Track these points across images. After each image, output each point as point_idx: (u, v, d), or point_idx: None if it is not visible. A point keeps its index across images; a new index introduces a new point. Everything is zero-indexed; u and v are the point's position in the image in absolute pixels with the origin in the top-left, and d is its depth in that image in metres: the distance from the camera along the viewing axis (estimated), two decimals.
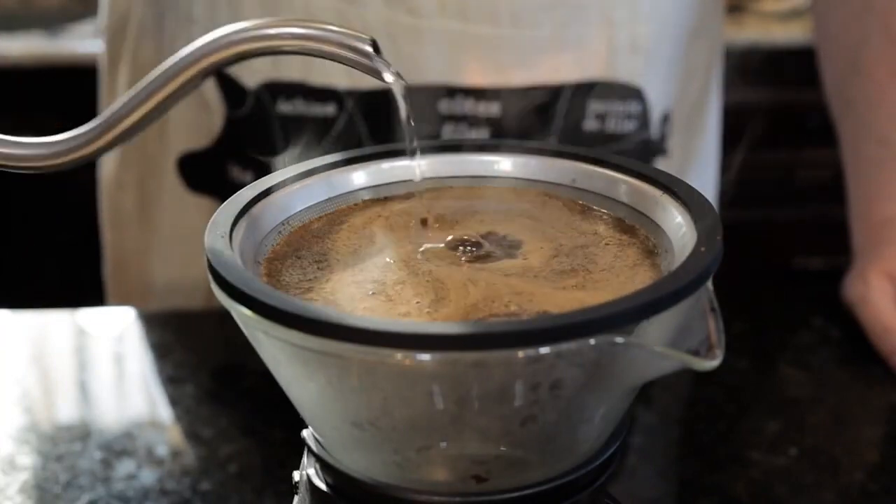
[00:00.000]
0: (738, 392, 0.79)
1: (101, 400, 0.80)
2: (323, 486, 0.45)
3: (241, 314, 0.39)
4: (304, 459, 0.46)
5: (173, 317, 0.91)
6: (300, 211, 0.49)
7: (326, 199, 0.50)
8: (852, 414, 0.77)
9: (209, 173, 0.93)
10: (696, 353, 0.37)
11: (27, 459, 0.72)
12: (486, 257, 0.46)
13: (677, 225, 0.45)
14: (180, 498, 0.68)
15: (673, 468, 0.75)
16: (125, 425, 0.76)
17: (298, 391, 0.43)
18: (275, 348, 0.40)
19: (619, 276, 0.44)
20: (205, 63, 0.45)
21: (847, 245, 0.91)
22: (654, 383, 0.60)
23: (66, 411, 0.79)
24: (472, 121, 0.87)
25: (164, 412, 0.78)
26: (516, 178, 0.52)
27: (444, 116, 0.87)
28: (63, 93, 1.82)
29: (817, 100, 0.98)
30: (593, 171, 0.50)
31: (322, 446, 0.44)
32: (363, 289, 0.43)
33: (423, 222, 0.49)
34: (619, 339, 0.37)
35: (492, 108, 0.86)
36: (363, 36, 0.45)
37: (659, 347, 0.37)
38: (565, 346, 0.37)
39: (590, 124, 0.89)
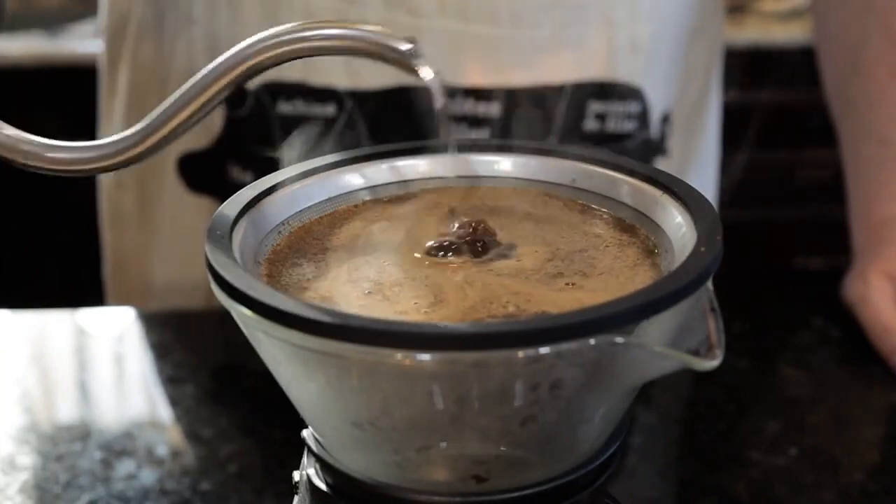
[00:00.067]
0: (738, 392, 0.79)
1: (101, 400, 0.80)
2: (323, 486, 0.45)
3: (241, 314, 0.39)
4: (304, 459, 0.46)
5: (173, 317, 0.91)
6: (300, 211, 0.49)
7: (326, 200, 0.50)
8: (852, 414, 0.77)
9: (209, 173, 0.93)
10: (696, 353, 0.37)
11: (27, 459, 0.72)
12: (485, 258, 0.46)
13: (677, 225, 0.45)
14: (180, 498, 0.68)
15: (673, 468, 0.75)
16: (125, 425, 0.76)
17: (298, 391, 0.43)
18: (275, 348, 0.40)
19: (618, 277, 0.44)
20: (245, 66, 0.46)
21: (847, 245, 0.91)
22: (654, 383, 0.60)
23: (66, 411, 0.79)
24: (472, 121, 0.87)
25: (164, 412, 0.78)
26: (516, 178, 0.52)
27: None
28: (63, 93, 1.82)
29: (817, 100, 0.98)
30: (593, 171, 0.50)
31: (322, 446, 0.44)
32: (362, 289, 0.43)
33: (423, 223, 0.49)
34: (619, 339, 0.37)
35: (492, 108, 0.86)
36: (401, 35, 0.46)
37: (659, 347, 0.37)
38: (565, 347, 0.37)
39: (590, 124, 0.89)
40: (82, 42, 1.94)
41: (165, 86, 0.92)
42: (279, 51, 0.46)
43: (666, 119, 0.94)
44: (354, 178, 0.51)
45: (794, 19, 2.01)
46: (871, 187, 0.89)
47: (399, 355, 0.37)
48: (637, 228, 0.48)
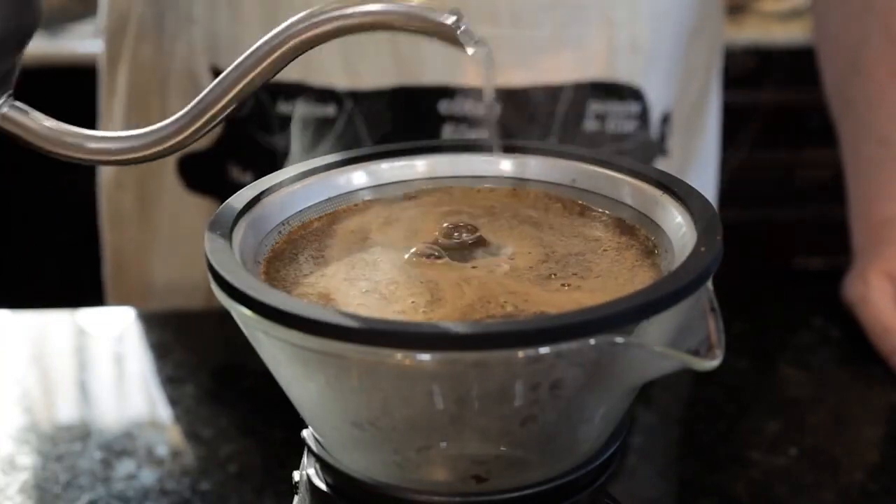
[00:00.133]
0: (738, 392, 0.79)
1: (101, 400, 0.80)
2: (323, 486, 0.45)
3: (241, 314, 0.39)
4: (304, 459, 0.46)
5: (173, 317, 0.91)
6: (300, 211, 0.49)
7: (326, 199, 0.50)
8: (852, 414, 0.77)
9: (209, 173, 0.93)
10: (696, 353, 0.37)
11: (27, 459, 0.72)
12: (483, 258, 0.46)
13: (677, 225, 0.45)
14: (180, 498, 0.68)
15: (673, 468, 0.75)
16: (125, 425, 0.76)
17: (298, 391, 0.43)
18: (275, 348, 0.40)
19: (618, 277, 0.44)
20: (286, 48, 0.45)
21: (847, 245, 0.91)
22: (654, 383, 0.60)
23: (66, 411, 0.79)
24: (472, 121, 0.87)
25: (164, 412, 0.78)
26: (516, 178, 0.52)
27: (444, 116, 0.87)
28: (63, 93, 1.82)
29: (817, 100, 0.98)
30: (593, 171, 0.50)
31: (322, 446, 0.44)
32: (360, 288, 0.43)
33: (422, 223, 0.49)
34: (619, 339, 0.37)
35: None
36: (445, 9, 0.45)
37: (659, 347, 0.37)
38: (565, 347, 0.37)
39: (590, 124, 0.89)
40: (82, 42, 1.94)
41: (165, 86, 0.92)
42: (320, 30, 0.45)
43: (666, 119, 0.94)
44: (354, 178, 0.51)
45: (794, 19, 2.01)
46: (871, 187, 0.89)
47: (399, 355, 0.37)
48: (637, 230, 0.48)
